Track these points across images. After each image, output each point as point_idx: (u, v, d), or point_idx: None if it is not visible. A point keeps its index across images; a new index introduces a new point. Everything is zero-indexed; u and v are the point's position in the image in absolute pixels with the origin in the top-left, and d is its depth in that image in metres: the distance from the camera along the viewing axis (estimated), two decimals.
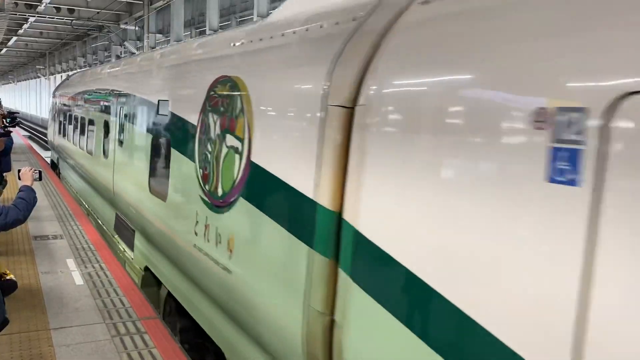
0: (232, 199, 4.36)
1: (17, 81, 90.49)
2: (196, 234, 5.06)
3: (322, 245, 3.24)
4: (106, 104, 9.97)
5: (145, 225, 7.14)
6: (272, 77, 4.18)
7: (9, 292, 4.50)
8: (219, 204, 4.60)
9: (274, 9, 18.73)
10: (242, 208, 4.22)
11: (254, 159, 4.05)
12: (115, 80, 9.94)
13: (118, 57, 33.24)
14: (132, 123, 7.92)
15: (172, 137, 6.00)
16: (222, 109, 4.64)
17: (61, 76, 54.89)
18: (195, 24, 26.11)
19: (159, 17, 29.19)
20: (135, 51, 29.46)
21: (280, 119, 3.90)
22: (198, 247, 5.01)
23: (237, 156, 4.27)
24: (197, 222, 5.05)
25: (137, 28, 31.01)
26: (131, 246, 8.12)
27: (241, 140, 4.21)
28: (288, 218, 3.66)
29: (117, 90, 9.25)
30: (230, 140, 4.42)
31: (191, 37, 23.63)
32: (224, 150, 4.49)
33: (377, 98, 2.93)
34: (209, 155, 4.81)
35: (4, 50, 55.75)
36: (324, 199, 3.21)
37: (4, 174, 8.75)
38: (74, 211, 10.60)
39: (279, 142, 3.83)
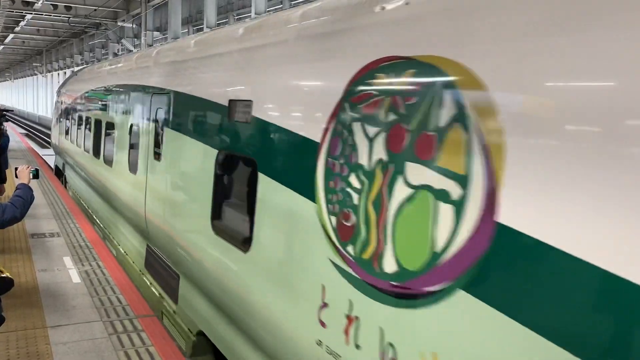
0: (431, 287, 2.47)
1: (14, 79, 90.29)
2: (323, 324, 3.21)
3: None
4: (134, 104, 7.91)
5: (203, 277, 5.19)
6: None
7: (5, 290, 4.49)
8: (390, 289, 2.71)
9: (271, 6, 18.74)
10: (469, 312, 2.31)
11: (509, 219, 2.14)
12: (148, 73, 7.57)
13: (115, 54, 33.21)
14: (179, 131, 5.84)
15: (260, 155, 4.09)
16: (392, 116, 2.72)
17: (58, 74, 54.87)
18: (193, 22, 26.08)
19: (156, 14, 29.14)
20: (133, 49, 29.42)
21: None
22: (330, 351, 3.14)
23: (445, 208, 2.40)
24: (324, 304, 3.20)
25: (134, 25, 30.96)
26: (173, 296, 6.17)
27: (460, 179, 2.33)
28: None
29: (151, 87, 7.07)
30: (421, 174, 2.53)
31: (189, 35, 23.60)
32: (402, 191, 2.64)
33: None
34: (354, 195, 2.96)
35: (1, 47, 55.57)
36: None
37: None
38: (71, 209, 10.59)
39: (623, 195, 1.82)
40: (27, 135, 36.57)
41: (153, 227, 6.70)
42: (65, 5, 30.02)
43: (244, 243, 4.25)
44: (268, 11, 17.57)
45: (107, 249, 8.11)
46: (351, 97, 3.06)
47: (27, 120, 62.62)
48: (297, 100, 3.74)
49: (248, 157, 4.30)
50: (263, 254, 4.01)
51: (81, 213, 10.42)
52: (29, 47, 55.71)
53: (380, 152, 2.80)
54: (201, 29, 23.08)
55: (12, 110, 51.16)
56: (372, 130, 2.87)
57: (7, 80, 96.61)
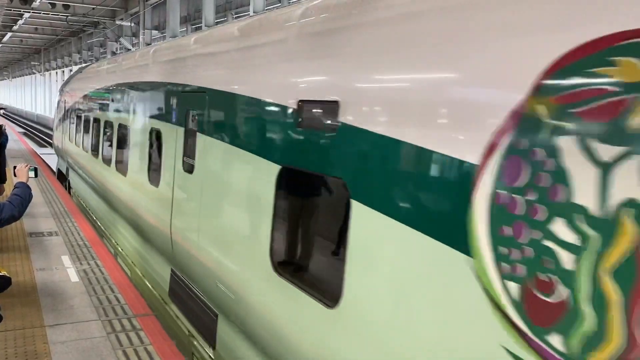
0: None
1: (12, 77, 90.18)
2: None
3: None
4: (156, 104, 6.75)
5: (255, 325, 4.16)
6: None
7: (2, 289, 4.49)
8: None
9: (270, 5, 18.72)
10: None
11: None
12: (176, 68, 6.33)
13: (114, 53, 33.18)
14: (219, 138, 4.79)
15: (355, 177, 3.03)
16: None
17: (57, 73, 54.78)
18: (191, 20, 26.04)
19: (154, 13, 29.08)
20: (131, 47, 29.39)
21: None
22: None
23: None
24: None
25: (132, 24, 30.91)
26: (209, 338, 5.12)
27: None
28: None
29: (180, 84, 5.91)
30: None
31: (187, 34, 23.56)
32: None
33: None
34: (561, 254, 1.94)
35: None
36: None
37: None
38: (70, 208, 10.58)
39: None
40: (25, 134, 36.54)
41: (181, 251, 5.63)
42: (63, 4, 29.96)
43: (328, 294, 3.20)
44: (266, 10, 17.55)
45: (106, 248, 8.10)
46: (550, 94, 1.98)
47: (26, 119, 62.61)
48: (428, 99, 2.55)
49: (332, 177, 3.25)
50: (364, 316, 2.89)
51: (79, 212, 10.41)
52: (27, 45, 55.59)
53: (630, 187, 1.73)
54: (199, 28, 23.07)
55: (5, 108, 51.29)
56: (607, 150, 1.79)
57: (5, 79, 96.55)
